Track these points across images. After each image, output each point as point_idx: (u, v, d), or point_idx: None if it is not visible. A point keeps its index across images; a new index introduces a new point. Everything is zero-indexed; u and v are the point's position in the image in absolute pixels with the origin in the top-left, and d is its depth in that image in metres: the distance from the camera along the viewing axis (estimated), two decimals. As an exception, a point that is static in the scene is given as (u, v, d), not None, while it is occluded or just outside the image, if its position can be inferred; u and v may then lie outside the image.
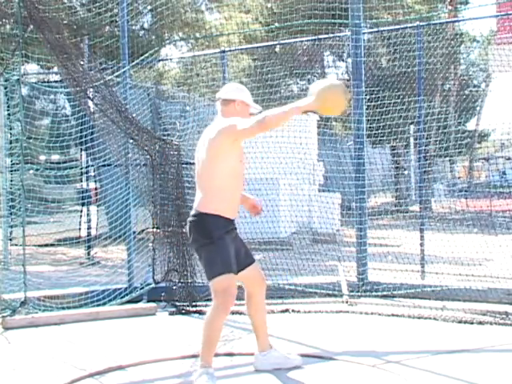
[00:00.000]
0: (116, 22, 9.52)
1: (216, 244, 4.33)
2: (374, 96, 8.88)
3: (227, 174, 4.38)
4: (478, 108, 28.02)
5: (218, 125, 4.44)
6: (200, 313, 6.75)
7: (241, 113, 4.52)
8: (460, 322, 6.11)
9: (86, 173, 11.16)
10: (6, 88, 10.59)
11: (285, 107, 4.22)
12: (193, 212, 4.47)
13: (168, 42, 19.35)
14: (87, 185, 11.28)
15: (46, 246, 12.65)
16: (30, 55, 9.44)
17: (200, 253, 4.44)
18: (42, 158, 12.37)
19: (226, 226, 4.41)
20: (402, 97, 9.42)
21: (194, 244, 4.49)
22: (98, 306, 6.99)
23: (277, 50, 13.10)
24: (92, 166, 10.96)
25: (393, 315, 6.45)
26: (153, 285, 7.32)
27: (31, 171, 11.38)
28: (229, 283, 4.31)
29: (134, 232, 8.38)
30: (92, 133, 9.56)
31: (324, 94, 4.13)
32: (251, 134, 4.38)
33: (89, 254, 10.87)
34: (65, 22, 8.17)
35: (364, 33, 8.14)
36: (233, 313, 6.37)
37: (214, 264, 4.32)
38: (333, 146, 13.81)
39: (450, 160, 18.50)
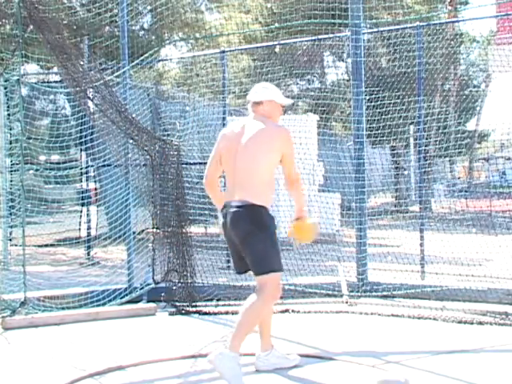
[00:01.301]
0: (116, 22, 9.53)
1: (273, 238, 4.47)
2: (373, 96, 8.88)
3: (272, 171, 4.61)
4: (477, 108, 28.03)
5: (277, 128, 4.66)
6: (200, 313, 6.76)
7: (272, 111, 4.73)
8: (460, 322, 6.11)
9: (86, 173, 11.16)
10: (5, 88, 10.59)
11: (302, 197, 4.92)
12: (241, 203, 4.46)
13: (168, 42, 19.35)
14: (87, 185, 11.28)
15: (46, 246, 12.64)
16: (30, 55, 9.44)
17: (254, 245, 4.42)
18: (42, 158, 12.37)
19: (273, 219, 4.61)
20: (401, 97, 9.43)
21: (250, 237, 4.43)
22: (98, 306, 6.98)
23: (277, 50, 13.11)
24: (92, 166, 10.95)
25: (393, 315, 6.45)
26: (153, 285, 7.31)
27: (31, 171, 11.38)
28: (280, 280, 4.51)
29: (134, 232, 8.38)
30: (92, 133, 9.56)
31: (305, 227, 4.78)
32: (289, 176, 4.71)
33: (89, 254, 10.87)
34: (65, 22, 8.18)
35: (364, 33, 8.14)
36: (233, 313, 6.38)
37: (271, 258, 4.42)
38: (333, 146, 13.82)
39: (449, 160, 18.53)
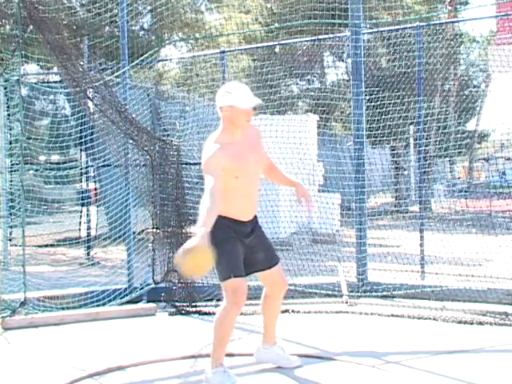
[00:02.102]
0: (116, 22, 9.51)
1: (220, 246, 4.28)
2: (373, 96, 8.88)
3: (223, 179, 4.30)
4: (477, 108, 28.04)
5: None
6: (200, 313, 6.76)
7: (232, 117, 4.42)
8: (460, 322, 6.10)
9: (86, 173, 11.16)
10: (5, 88, 10.60)
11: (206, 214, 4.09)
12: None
13: (168, 42, 19.36)
14: (87, 185, 11.28)
15: (46, 246, 12.64)
16: (30, 55, 9.43)
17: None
18: (42, 158, 12.37)
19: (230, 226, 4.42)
20: (401, 97, 9.42)
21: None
22: (98, 306, 6.98)
23: (276, 50, 13.11)
24: (92, 166, 10.95)
25: (392, 315, 6.45)
26: (152, 285, 7.31)
27: (31, 171, 11.39)
28: (237, 284, 4.36)
29: (134, 232, 8.37)
30: (92, 133, 9.56)
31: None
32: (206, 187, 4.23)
33: (88, 254, 10.87)
34: (64, 22, 8.18)
35: (364, 33, 8.14)
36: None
37: (221, 267, 4.37)
38: (332, 147, 13.82)
39: (449, 160, 18.53)
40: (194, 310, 6.86)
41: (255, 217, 4.62)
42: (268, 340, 4.75)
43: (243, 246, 4.48)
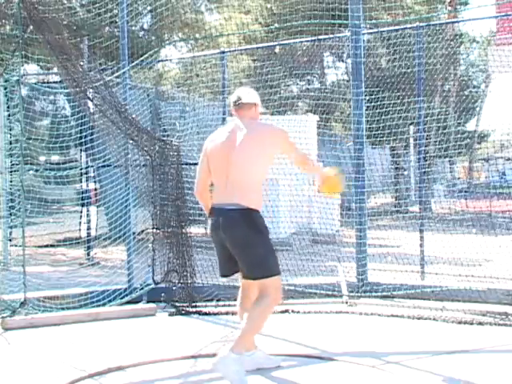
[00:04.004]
0: (116, 22, 9.53)
1: (269, 241, 4.52)
2: (373, 97, 8.88)
3: (266, 172, 4.67)
4: (477, 109, 28.06)
5: (271, 129, 4.76)
6: (200, 313, 6.76)
7: (257, 115, 4.80)
8: (460, 322, 6.10)
9: (86, 173, 11.16)
10: (5, 89, 10.60)
11: (318, 167, 5.09)
12: (238, 206, 4.41)
13: (168, 42, 19.36)
14: (87, 185, 11.28)
15: (46, 246, 12.65)
16: (30, 56, 9.44)
17: (252, 250, 4.41)
18: (42, 158, 12.37)
19: None
20: (401, 97, 9.43)
21: (247, 241, 4.41)
22: (98, 306, 6.98)
23: (276, 50, 13.11)
24: (92, 166, 10.95)
25: (392, 316, 6.45)
26: (152, 285, 7.31)
27: (31, 172, 11.39)
28: (280, 283, 4.55)
29: (134, 233, 8.38)
30: (92, 133, 9.57)
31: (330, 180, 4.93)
32: (297, 161, 4.88)
33: (88, 254, 10.87)
34: (64, 22, 8.16)
35: (364, 33, 8.14)
36: (233, 313, 6.38)
37: (270, 262, 4.45)
38: (332, 147, 13.82)
39: (449, 161, 18.52)
40: (193, 310, 6.85)
41: None
42: (249, 346, 4.67)
43: None
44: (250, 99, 4.71)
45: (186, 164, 8.09)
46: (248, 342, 4.45)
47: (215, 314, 6.71)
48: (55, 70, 14.03)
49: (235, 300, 6.38)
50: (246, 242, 4.39)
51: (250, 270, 4.45)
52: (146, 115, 10.55)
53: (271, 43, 11.08)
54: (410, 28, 8.99)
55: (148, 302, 7.24)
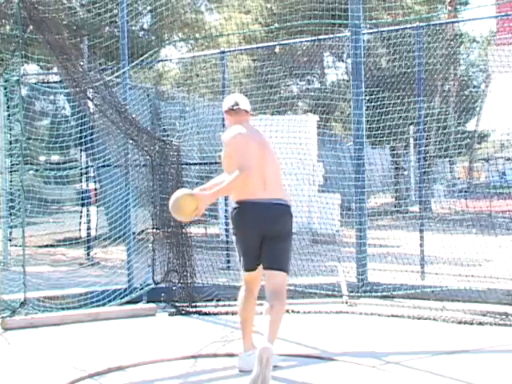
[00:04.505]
0: (116, 22, 9.52)
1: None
2: (373, 96, 8.88)
3: None
4: (477, 109, 28.06)
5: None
6: (200, 313, 6.76)
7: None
8: (460, 322, 6.10)
9: (86, 173, 11.16)
10: (5, 88, 10.60)
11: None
12: (283, 202, 4.63)
13: (168, 42, 19.35)
14: (87, 185, 11.28)
15: (46, 246, 12.65)
16: (30, 56, 9.44)
17: (287, 243, 4.67)
18: (42, 158, 12.37)
19: None
20: (401, 97, 9.43)
21: (288, 235, 4.67)
22: (98, 306, 6.98)
23: (276, 50, 13.11)
24: (92, 166, 10.95)
25: (392, 316, 6.45)
26: (152, 285, 7.31)
27: (31, 172, 11.38)
28: None
29: (134, 233, 8.38)
30: (92, 133, 9.56)
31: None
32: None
33: (88, 254, 10.87)
34: (64, 22, 8.15)
35: (364, 33, 8.14)
36: (233, 313, 6.38)
37: (290, 260, 4.73)
38: (332, 147, 13.83)
39: (449, 161, 18.51)
40: (193, 310, 6.85)
41: None
42: (248, 346, 4.70)
43: None
44: (247, 106, 4.87)
45: (186, 164, 8.10)
46: (250, 341, 4.55)
47: (215, 314, 6.71)
48: (55, 69, 14.02)
49: (235, 300, 6.40)
50: (288, 234, 4.67)
51: (279, 261, 4.59)
52: (146, 115, 10.54)
53: (271, 43, 11.08)
54: (409, 28, 8.99)
55: (148, 301, 7.24)
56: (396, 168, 19.27)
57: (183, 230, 7.02)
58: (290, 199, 4.76)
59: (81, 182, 11.41)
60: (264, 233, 4.55)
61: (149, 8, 15.10)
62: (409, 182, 18.62)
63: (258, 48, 12.45)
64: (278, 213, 4.60)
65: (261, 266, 4.62)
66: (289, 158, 9.25)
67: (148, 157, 7.08)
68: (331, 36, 9.04)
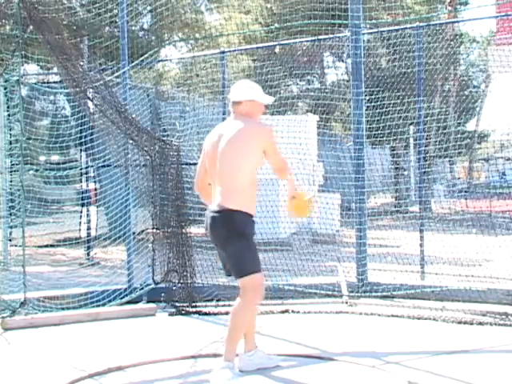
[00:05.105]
0: (116, 22, 9.52)
1: (248, 241, 4.51)
2: (373, 97, 8.88)
3: (254, 171, 4.62)
4: (477, 109, 28.07)
5: (255, 126, 4.66)
6: (200, 313, 6.76)
7: (253, 110, 4.72)
8: (460, 322, 6.10)
9: (86, 173, 11.16)
10: (5, 89, 10.60)
11: (293, 180, 4.91)
12: (218, 207, 4.50)
13: (168, 42, 19.35)
14: (87, 185, 11.28)
15: (46, 246, 12.65)
16: (30, 56, 9.43)
17: (232, 247, 4.49)
18: (42, 158, 12.37)
19: (253, 222, 4.60)
20: (401, 97, 9.42)
21: (227, 238, 4.50)
22: (98, 306, 6.98)
23: (276, 50, 13.11)
24: (92, 166, 10.95)
25: (392, 316, 6.44)
26: (152, 285, 7.31)
27: (31, 172, 11.38)
28: (259, 281, 4.47)
29: (134, 233, 8.38)
30: (92, 133, 9.56)
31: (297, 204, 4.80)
32: (276, 167, 4.77)
33: (88, 254, 10.87)
34: (64, 22, 8.16)
35: (364, 33, 8.14)
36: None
37: (246, 261, 4.47)
38: (332, 147, 13.83)
39: (449, 161, 18.51)
40: (193, 310, 6.86)
41: None
42: (250, 346, 4.72)
43: None
44: (235, 97, 4.72)
45: (186, 164, 8.09)
46: (235, 349, 4.42)
47: (215, 314, 6.71)
48: (55, 70, 14.03)
49: (235, 300, 6.41)
50: (226, 243, 4.51)
51: (232, 270, 4.57)
52: (146, 115, 10.55)
53: (271, 43, 11.07)
54: (409, 28, 8.99)
55: (148, 301, 7.24)
56: (396, 168, 19.28)
57: (183, 230, 7.02)
58: (232, 200, 4.47)
59: (81, 181, 11.41)
60: (213, 241, 4.63)
61: (149, 8, 15.10)
62: (409, 182, 18.63)
63: (258, 48, 12.45)
64: (211, 222, 4.54)
65: None
66: (289, 158, 9.24)
67: (148, 157, 7.08)
68: (331, 36, 9.03)
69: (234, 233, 4.47)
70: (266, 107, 4.90)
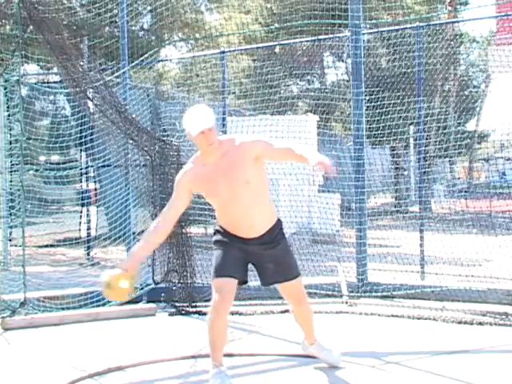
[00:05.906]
0: (116, 22, 9.53)
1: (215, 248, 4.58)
2: (373, 97, 8.88)
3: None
4: (477, 109, 28.06)
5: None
6: (200, 313, 6.75)
7: (196, 144, 4.37)
8: (460, 322, 6.10)
9: (86, 173, 11.16)
10: (5, 88, 10.60)
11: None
12: (265, 231, 4.54)
13: (168, 42, 19.35)
14: (87, 185, 11.28)
15: (46, 246, 12.64)
16: (30, 56, 9.45)
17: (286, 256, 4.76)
18: (42, 158, 12.37)
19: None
20: (401, 97, 9.43)
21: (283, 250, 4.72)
22: (98, 306, 6.98)
23: (276, 50, 13.12)
24: (92, 166, 10.96)
25: (392, 316, 6.45)
26: (152, 285, 7.31)
27: (31, 172, 11.39)
28: (217, 284, 4.36)
29: (134, 233, 8.38)
30: (92, 133, 9.56)
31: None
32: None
33: (88, 254, 10.87)
34: (64, 22, 8.16)
35: (364, 33, 8.14)
36: (232, 313, 6.37)
37: (213, 265, 4.51)
38: (332, 147, 13.82)
39: (449, 161, 18.52)
40: (193, 310, 6.85)
41: (270, 230, 4.50)
42: (308, 339, 4.84)
43: (244, 252, 4.46)
44: (207, 124, 4.19)
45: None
46: (218, 355, 4.22)
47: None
48: (55, 69, 14.03)
49: (235, 300, 6.39)
50: (283, 254, 4.75)
51: (287, 273, 4.72)
52: (146, 115, 10.55)
53: (271, 43, 11.08)
54: (409, 28, 8.99)
55: (148, 301, 7.24)
56: (396, 168, 19.27)
57: (183, 230, 7.02)
58: (269, 218, 4.52)
59: (81, 181, 11.41)
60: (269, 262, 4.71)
61: (149, 8, 15.10)
62: (409, 182, 18.63)
63: (258, 48, 12.45)
64: (266, 245, 4.60)
65: (279, 286, 4.74)
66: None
67: (148, 157, 7.09)
68: (331, 36, 9.04)
69: (285, 238, 4.71)
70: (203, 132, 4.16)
